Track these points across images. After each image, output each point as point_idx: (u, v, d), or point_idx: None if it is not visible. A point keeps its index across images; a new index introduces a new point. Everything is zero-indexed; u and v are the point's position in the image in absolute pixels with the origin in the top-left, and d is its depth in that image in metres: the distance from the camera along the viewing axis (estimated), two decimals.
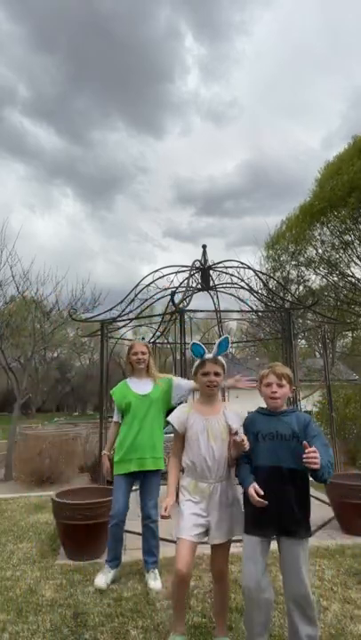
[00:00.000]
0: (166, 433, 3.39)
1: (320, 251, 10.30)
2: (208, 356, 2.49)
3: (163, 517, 2.39)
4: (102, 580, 3.24)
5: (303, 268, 10.70)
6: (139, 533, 4.42)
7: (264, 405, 2.43)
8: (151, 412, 3.45)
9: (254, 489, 2.14)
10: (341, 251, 9.95)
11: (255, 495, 2.13)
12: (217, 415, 2.46)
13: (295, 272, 10.86)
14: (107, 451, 3.57)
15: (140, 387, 3.53)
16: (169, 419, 2.58)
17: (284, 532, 2.18)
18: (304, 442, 2.06)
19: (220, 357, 2.50)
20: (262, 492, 2.13)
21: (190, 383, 3.41)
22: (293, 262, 10.76)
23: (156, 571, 3.34)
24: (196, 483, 2.40)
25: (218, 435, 2.40)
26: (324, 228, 10.07)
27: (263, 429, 2.27)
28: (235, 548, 3.88)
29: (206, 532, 2.38)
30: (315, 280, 10.78)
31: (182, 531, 2.32)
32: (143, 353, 3.56)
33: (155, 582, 3.24)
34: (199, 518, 2.34)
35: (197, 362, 2.51)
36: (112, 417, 3.65)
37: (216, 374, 2.46)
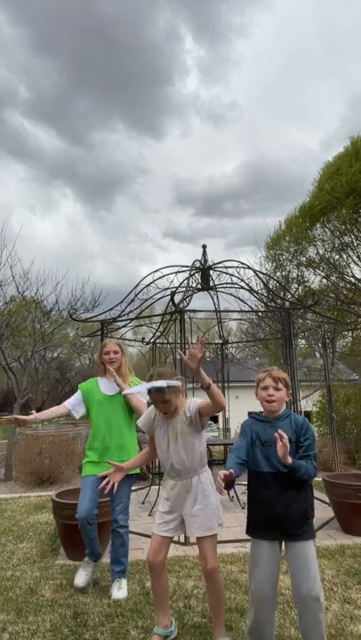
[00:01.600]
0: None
1: (320, 251, 10.31)
2: (148, 387, 2.38)
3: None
4: (82, 578, 3.17)
5: (303, 269, 10.71)
6: (139, 533, 4.46)
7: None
8: (118, 414, 3.35)
9: (222, 476, 2.08)
10: (341, 251, 9.95)
11: (220, 481, 2.07)
12: (178, 416, 2.51)
13: (296, 271, 10.86)
14: (33, 414, 3.31)
15: (108, 387, 3.42)
16: (137, 422, 2.64)
17: (288, 536, 2.18)
18: (275, 434, 2.11)
19: (162, 386, 2.34)
20: (224, 489, 2.08)
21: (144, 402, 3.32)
22: (294, 262, 10.77)
23: (123, 580, 3.18)
24: (167, 479, 2.56)
25: (178, 434, 2.48)
26: (324, 229, 10.08)
27: (262, 436, 2.29)
28: (234, 549, 3.90)
29: (178, 528, 2.53)
30: (314, 281, 10.80)
31: (154, 527, 2.55)
32: (115, 352, 3.43)
33: (119, 592, 3.09)
34: (168, 515, 2.50)
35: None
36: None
37: (164, 402, 2.43)
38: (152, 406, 2.64)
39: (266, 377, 2.33)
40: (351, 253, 9.87)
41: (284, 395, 2.32)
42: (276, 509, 2.17)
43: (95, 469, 3.28)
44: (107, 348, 3.46)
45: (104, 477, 3.29)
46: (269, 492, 2.20)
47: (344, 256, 9.97)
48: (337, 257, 10.04)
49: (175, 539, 2.73)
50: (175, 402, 2.48)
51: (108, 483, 2.60)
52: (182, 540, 4.01)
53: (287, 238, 10.67)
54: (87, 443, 3.42)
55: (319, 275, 10.53)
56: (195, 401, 2.50)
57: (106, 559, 3.50)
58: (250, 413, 2.54)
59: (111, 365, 3.42)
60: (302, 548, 2.16)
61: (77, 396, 3.47)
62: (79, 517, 3.20)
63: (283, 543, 2.24)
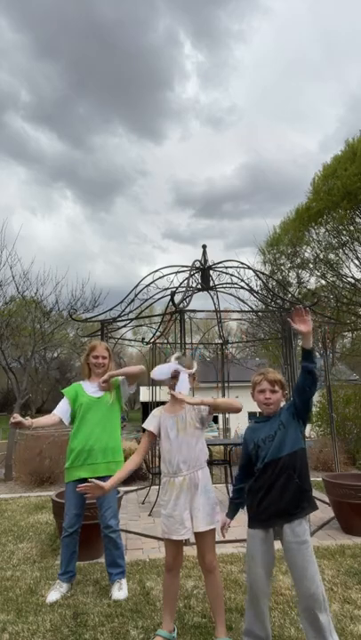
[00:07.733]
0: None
1: (318, 252, 10.34)
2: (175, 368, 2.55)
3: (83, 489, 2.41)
4: (55, 595, 3.06)
5: (300, 270, 10.73)
6: (138, 533, 4.46)
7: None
8: (105, 416, 3.32)
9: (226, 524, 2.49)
10: (340, 251, 9.97)
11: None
12: (183, 410, 2.58)
13: (294, 274, 10.89)
14: (30, 420, 3.06)
15: (94, 390, 3.37)
16: (144, 425, 2.64)
17: (286, 516, 2.22)
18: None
19: (186, 372, 2.57)
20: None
21: (124, 378, 3.42)
22: (291, 264, 10.79)
23: (123, 581, 3.18)
24: (172, 481, 2.49)
25: (187, 425, 2.53)
26: (322, 229, 10.11)
27: (263, 435, 2.35)
28: (234, 549, 3.90)
29: (187, 526, 2.46)
30: (311, 281, 10.82)
31: (165, 533, 2.50)
32: (104, 357, 3.39)
33: (119, 592, 3.08)
34: (178, 516, 2.44)
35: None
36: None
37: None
38: (157, 408, 2.72)
39: (262, 380, 2.38)
40: (349, 252, 9.89)
41: (280, 396, 2.39)
42: (279, 493, 2.23)
43: (76, 474, 3.24)
44: (96, 352, 3.40)
45: (85, 480, 3.28)
46: (273, 479, 2.25)
47: (342, 255, 9.99)
48: (333, 256, 10.08)
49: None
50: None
51: (87, 489, 2.44)
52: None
53: (284, 238, 10.69)
54: (68, 446, 3.34)
55: (316, 275, 10.55)
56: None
57: (102, 560, 3.50)
58: (250, 414, 2.59)
59: (98, 369, 3.39)
60: (300, 545, 2.17)
61: (65, 401, 3.38)
62: (66, 529, 3.19)
63: (280, 540, 2.27)
